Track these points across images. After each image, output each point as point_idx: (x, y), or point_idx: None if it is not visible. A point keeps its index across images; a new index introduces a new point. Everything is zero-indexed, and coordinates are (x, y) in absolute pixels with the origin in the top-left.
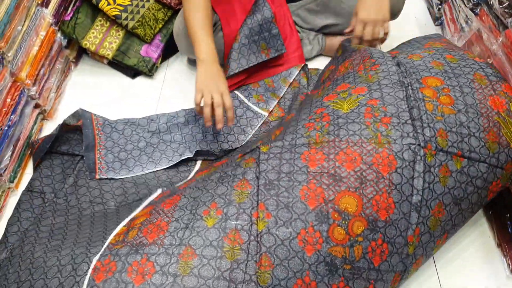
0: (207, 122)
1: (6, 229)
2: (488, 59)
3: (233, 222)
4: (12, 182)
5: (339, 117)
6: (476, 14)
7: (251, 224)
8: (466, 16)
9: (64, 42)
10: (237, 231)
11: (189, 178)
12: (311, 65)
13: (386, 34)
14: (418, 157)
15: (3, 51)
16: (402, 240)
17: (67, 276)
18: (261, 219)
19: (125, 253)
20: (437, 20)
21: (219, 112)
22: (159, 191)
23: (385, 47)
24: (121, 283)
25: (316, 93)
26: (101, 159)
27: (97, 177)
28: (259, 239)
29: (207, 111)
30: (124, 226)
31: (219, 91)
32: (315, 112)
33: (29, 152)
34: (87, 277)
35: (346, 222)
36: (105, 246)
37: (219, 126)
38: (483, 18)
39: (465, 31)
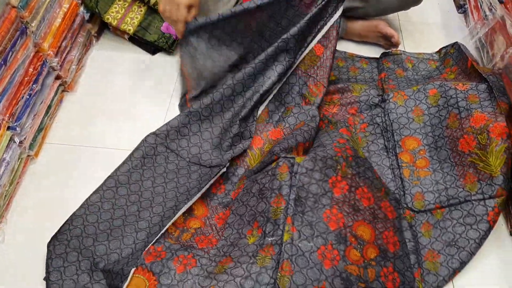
0: None
1: None
2: (510, 48)
3: (269, 239)
4: (31, 149)
5: (358, 157)
6: (501, 2)
7: (282, 237)
8: (490, 3)
9: (87, 16)
10: (271, 246)
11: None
12: None
13: None
14: (402, 216)
15: (27, 21)
16: (410, 275)
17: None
18: (286, 231)
19: (176, 249)
20: (461, 7)
21: None
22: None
23: (408, 40)
24: (166, 267)
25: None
26: None
27: None
28: (283, 247)
29: None
30: (182, 216)
31: None
32: (338, 141)
33: (50, 120)
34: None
35: (361, 247)
36: (162, 231)
37: None
38: (508, 6)
39: (489, 19)
